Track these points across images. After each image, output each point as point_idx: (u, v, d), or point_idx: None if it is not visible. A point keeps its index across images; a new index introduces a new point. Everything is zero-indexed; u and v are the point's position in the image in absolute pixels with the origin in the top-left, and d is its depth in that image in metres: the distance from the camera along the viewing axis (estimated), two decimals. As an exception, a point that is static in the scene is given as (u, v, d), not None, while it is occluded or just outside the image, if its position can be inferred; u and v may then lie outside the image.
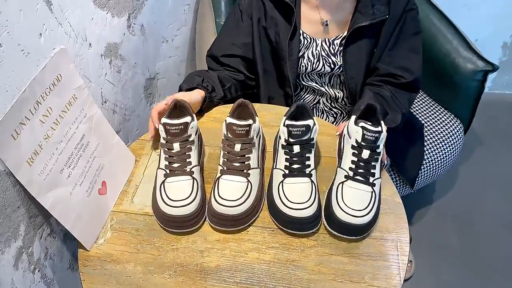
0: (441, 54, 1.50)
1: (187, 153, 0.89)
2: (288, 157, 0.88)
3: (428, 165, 1.45)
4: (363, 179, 0.86)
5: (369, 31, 1.09)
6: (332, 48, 1.14)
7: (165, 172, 0.88)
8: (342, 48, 1.12)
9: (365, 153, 0.85)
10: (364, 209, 0.83)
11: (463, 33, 1.49)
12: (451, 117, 1.56)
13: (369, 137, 0.85)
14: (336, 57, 1.14)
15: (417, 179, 1.41)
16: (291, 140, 0.87)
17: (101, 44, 1.02)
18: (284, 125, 0.88)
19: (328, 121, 1.28)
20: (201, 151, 0.98)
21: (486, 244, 1.69)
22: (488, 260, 1.63)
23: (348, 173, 0.87)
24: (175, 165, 0.88)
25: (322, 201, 0.89)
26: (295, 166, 0.88)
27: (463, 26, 1.50)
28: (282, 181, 0.88)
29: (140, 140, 1.07)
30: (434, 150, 1.46)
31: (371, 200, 0.85)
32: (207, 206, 0.88)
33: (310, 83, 1.21)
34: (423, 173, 1.45)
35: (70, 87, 0.83)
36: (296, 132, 0.86)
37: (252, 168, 0.89)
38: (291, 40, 1.12)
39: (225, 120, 0.89)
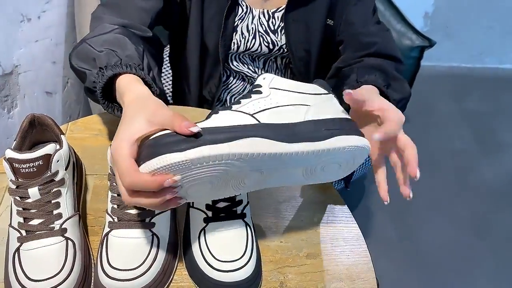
0: (373, 28, 1.31)
1: (53, 202, 0.58)
2: None
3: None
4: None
5: None
6: (272, 23, 0.88)
7: (19, 235, 0.57)
8: (283, 23, 0.87)
9: None
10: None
11: (395, 3, 1.32)
12: (383, 99, 1.40)
13: None
14: (276, 35, 0.88)
15: (353, 175, 1.23)
16: None
17: None
18: None
19: None
20: (80, 189, 0.67)
21: (421, 231, 1.60)
22: (424, 248, 1.55)
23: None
24: (35, 222, 0.57)
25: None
26: (221, 205, 0.62)
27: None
28: (203, 228, 0.61)
29: (-13, 173, 0.72)
30: (370, 138, 1.29)
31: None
32: (92, 280, 0.59)
33: (240, 67, 0.94)
34: (359, 167, 1.27)
35: None
36: None
37: (160, 213, 0.61)
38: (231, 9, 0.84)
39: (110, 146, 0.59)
